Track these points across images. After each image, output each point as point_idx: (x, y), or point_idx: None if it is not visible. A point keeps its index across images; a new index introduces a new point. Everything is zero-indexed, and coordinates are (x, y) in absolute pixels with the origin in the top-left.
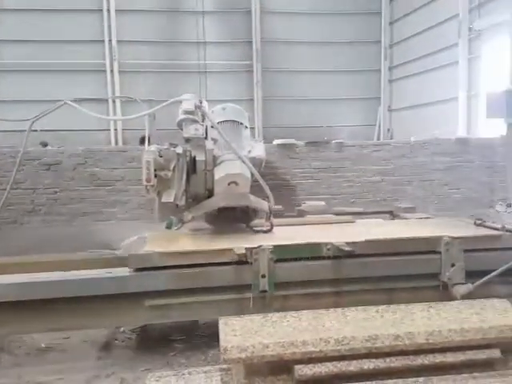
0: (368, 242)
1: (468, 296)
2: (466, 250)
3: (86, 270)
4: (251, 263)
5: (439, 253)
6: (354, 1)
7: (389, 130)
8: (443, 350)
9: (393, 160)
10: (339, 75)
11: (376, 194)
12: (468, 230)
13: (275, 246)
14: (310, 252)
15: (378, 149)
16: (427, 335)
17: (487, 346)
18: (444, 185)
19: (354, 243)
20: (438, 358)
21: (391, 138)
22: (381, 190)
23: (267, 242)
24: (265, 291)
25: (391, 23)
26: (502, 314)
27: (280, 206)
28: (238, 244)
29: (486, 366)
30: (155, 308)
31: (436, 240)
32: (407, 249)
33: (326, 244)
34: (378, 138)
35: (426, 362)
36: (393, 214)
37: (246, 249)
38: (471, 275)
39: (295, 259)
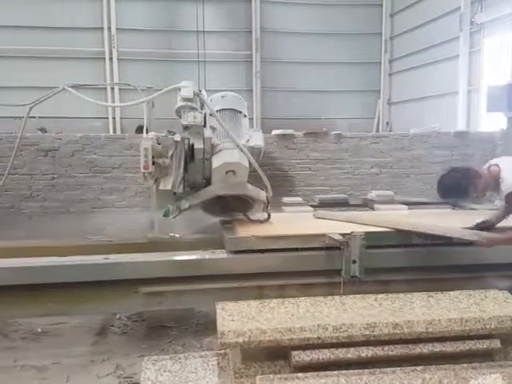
0: None
1: None
2: None
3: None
4: (342, 249)
5: None
6: None
7: (388, 123)
8: (442, 339)
9: (391, 152)
10: (339, 67)
11: (374, 186)
12: None
13: (367, 233)
14: (401, 239)
15: (377, 141)
16: (426, 324)
17: (487, 336)
18: None
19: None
20: (437, 347)
21: (390, 131)
22: (379, 182)
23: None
24: (355, 276)
25: (392, 15)
26: (502, 304)
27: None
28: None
29: (486, 356)
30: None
31: None
32: None
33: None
34: (377, 131)
35: (425, 350)
36: (456, 205)
37: (340, 234)
38: None
39: (384, 246)
